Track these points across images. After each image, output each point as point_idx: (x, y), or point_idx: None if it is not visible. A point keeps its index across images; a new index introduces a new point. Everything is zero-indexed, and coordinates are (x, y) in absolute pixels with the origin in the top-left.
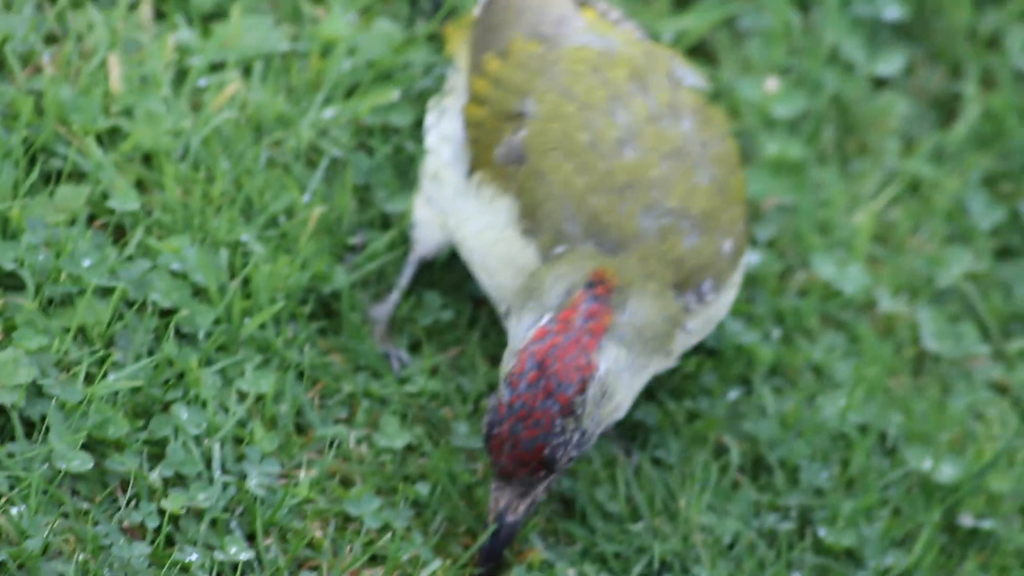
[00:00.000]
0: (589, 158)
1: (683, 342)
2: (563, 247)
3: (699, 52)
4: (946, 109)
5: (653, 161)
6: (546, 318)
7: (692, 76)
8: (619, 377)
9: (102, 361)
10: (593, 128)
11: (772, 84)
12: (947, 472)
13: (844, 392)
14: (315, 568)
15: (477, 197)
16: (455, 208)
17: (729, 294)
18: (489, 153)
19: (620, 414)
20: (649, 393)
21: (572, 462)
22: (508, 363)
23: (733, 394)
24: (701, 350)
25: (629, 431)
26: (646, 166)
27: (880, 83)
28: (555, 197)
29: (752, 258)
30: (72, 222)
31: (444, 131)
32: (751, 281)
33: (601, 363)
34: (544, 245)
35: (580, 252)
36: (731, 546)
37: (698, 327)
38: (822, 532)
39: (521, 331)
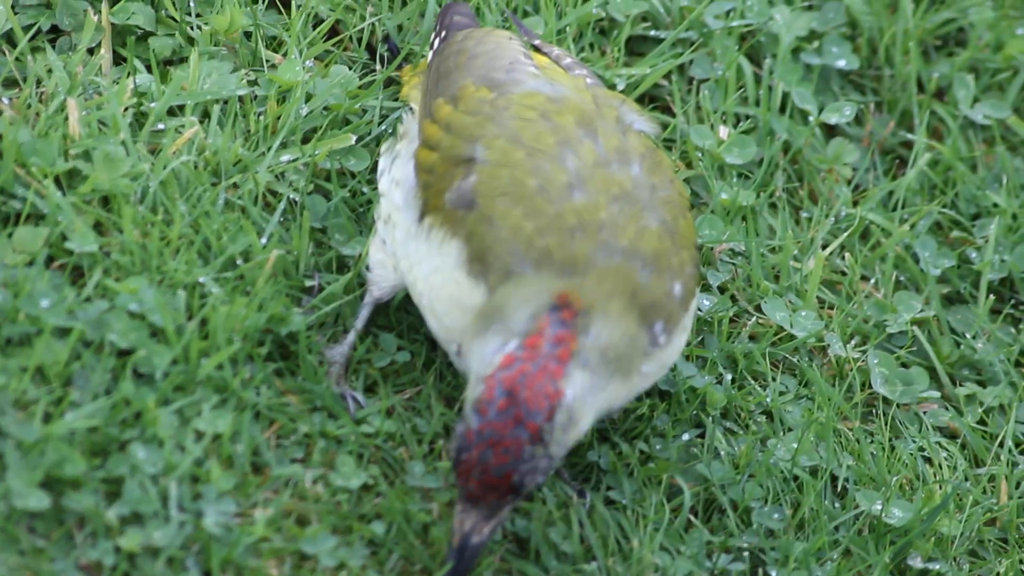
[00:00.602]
0: (538, 203)
1: (638, 383)
2: (508, 285)
3: (652, 100)
4: (896, 157)
5: (602, 204)
6: (512, 344)
7: (641, 121)
8: (584, 402)
9: (59, 400)
10: (542, 173)
11: (724, 132)
12: (897, 514)
13: (795, 435)
14: None
15: (427, 241)
16: (406, 252)
17: (680, 338)
18: (440, 198)
19: (580, 437)
20: (602, 435)
21: (539, 487)
22: (475, 389)
23: (686, 436)
24: (654, 393)
25: (583, 472)
26: (595, 208)
27: (831, 131)
28: (504, 241)
29: (704, 302)
30: (31, 263)
31: (396, 176)
32: (704, 325)
33: (568, 390)
34: (493, 285)
35: (538, 275)
36: None
37: (652, 370)
38: (774, 573)
39: (487, 355)
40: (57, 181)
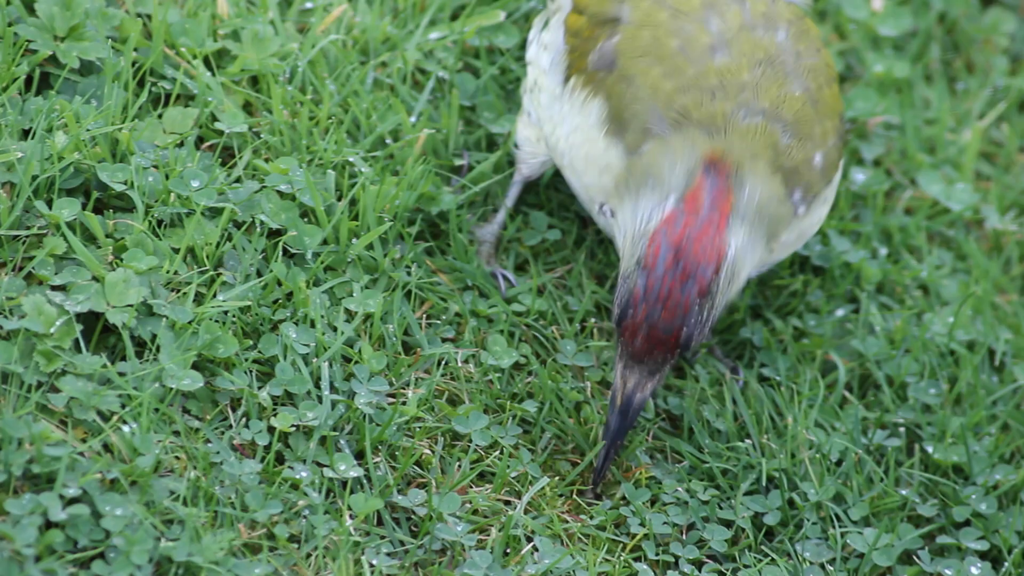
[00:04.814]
0: (678, 62)
1: (778, 250)
2: (650, 144)
3: None
4: None
5: (744, 66)
6: (671, 200)
7: None
8: (743, 258)
9: (211, 281)
10: (684, 34)
11: (878, 3)
12: None
13: (952, 309)
14: (423, 485)
15: (570, 101)
16: (550, 114)
17: (820, 210)
18: (584, 60)
19: (736, 294)
20: (755, 311)
21: (703, 341)
22: (637, 247)
23: (840, 312)
24: (808, 268)
25: (736, 349)
26: (737, 70)
27: (987, 1)
28: (642, 100)
29: (858, 176)
30: (180, 144)
31: (545, 40)
32: (858, 199)
33: (731, 243)
34: (630, 144)
35: (685, 134)
36: (839, 463)
37: (791, 239)
38: (930, 449)
39: (644, 214)
40: (206, 61)
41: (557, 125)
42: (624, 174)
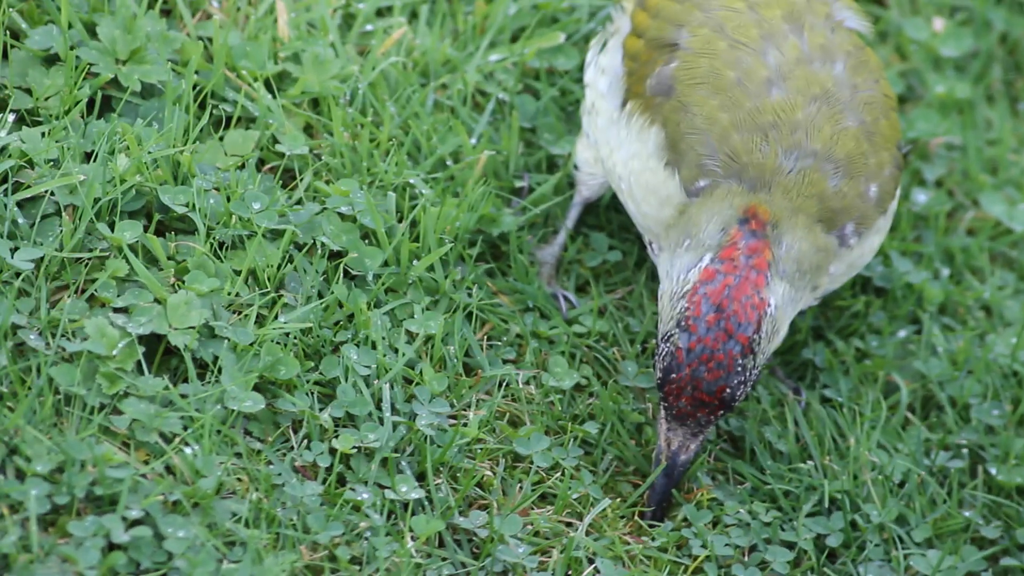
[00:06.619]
0: (736, 95)
1: (825, 285)
2: (705, 182)
3: None
4: None
5: (800, 103)
6: (707, 257)
7: (853, 18)
8: (784, 311)
9: (273, 303)
10: (742, 66)
11: (939, 24)
12: None
13: (1015, 330)
14: (485, 507)
15: (627, 127)
16: (607, 138)
17: (874, 239)
18: (642, 84)
19: (778, 346)
20: (817, 332)
21: (745, 399)
22: (676, 305)
23: (902, 333)
24: (870, 289)
25: (798, 370)
26: (792, 107)
27: None
28: (698, 131)
29: (920, 197)
30: (242, 166)
31: (603, 64)
32: (920, 219)
33: (771, 299)
34: (686, 178)
35: (725, 188)
36: (901, 484)
37: (840, 271)
38: (993, 470)
39: (680, 271)
40: (267, 84)
41: (615, 149)
42: (675, 216)
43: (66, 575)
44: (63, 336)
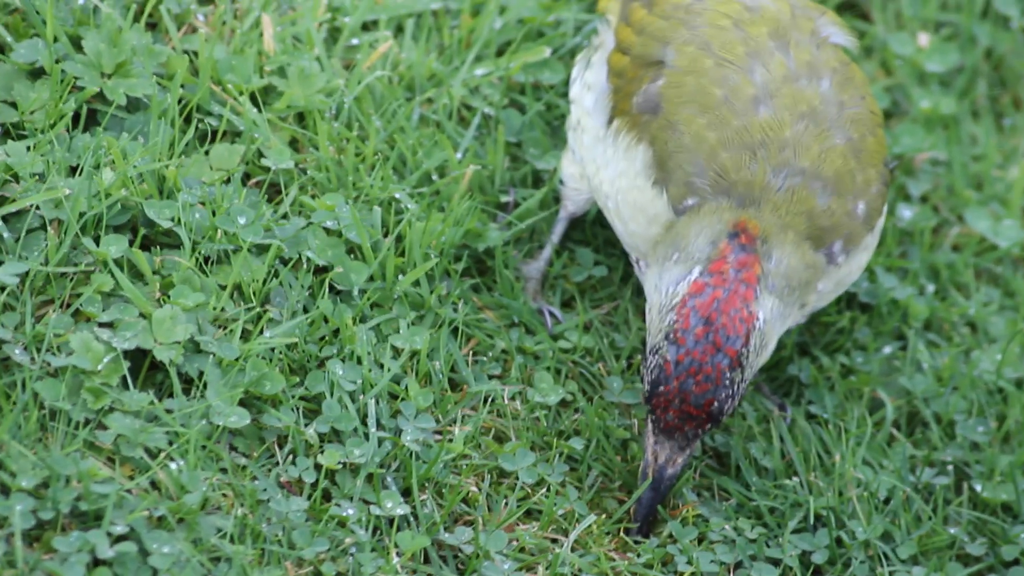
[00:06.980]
0: (723, 113)
1: (813, 302)
2: (693, 200)
3: (851, 7)
4: None
5: (787, 121)
6: (696, 270)
7: (838, 34)
8: (773, 326)
9: (258, 318)
10: (729, 84)
11: (924, 39)
12: None
13: (1000, 346)
14: (470, 523)
15: (614, 145)
16: (593, 156)
17: (861, 257)
18: (628, 102)
19: (766, 361)
20: (803, 348)
21: (732, 413)
22: (665, 318)
23: (888, 349)
24: (855, 305)
25: (783, 386)
26: (780, 125)
27: None
28: (687, 149)
29: (905, 212)
30: (227, 180)
31: (588, 80)
32: (905, 235)
33: (760, 313)
34: (674, 197)
35: (715, 205)
36: (887, 501)
37: (828, 288)
38: (979, 487)
39: (668, 284)
40: (252, 98)
41: (601, 168)
42: (663, 233)
43: None
44: (48, 351)
